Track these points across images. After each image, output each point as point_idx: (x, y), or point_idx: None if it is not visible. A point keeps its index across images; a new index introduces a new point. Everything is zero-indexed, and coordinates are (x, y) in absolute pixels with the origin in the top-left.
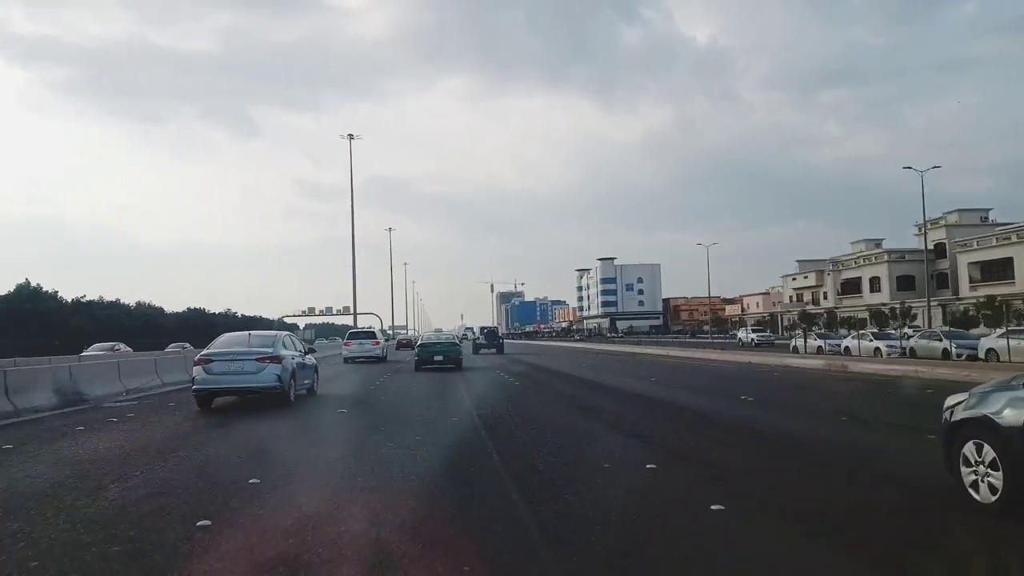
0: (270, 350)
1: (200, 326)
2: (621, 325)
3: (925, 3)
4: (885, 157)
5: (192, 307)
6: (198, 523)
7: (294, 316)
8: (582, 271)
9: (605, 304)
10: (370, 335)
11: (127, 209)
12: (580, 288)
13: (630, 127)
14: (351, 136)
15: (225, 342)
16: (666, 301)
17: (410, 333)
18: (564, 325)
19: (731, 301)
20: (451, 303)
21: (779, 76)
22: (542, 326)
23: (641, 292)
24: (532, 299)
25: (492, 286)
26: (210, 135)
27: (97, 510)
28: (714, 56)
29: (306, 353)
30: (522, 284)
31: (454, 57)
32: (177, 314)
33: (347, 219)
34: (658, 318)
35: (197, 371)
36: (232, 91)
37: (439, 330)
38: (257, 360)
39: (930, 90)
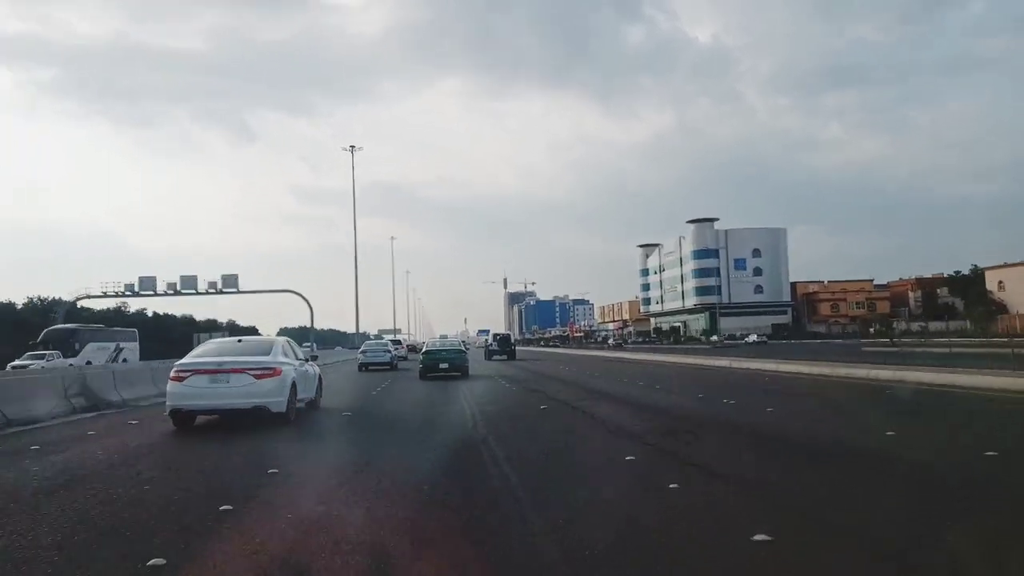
0: (392, 345)
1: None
2: (729, 324)
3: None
4: (888, 159)
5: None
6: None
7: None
8: (648, 247)
9: (701, 291)
10: (397, 343)
11: (121, 212)
12: (645, 272)
13: (632, 130)
14: None
15: (369, 343)
16: (793, 286)
17: (402, 336)
18: (611, 328)
19: (884, 287)
20: (452, 307)
21: (783, 76)
22: (577, 328)
23: (758, 272)
24: (551, 298)
25: (505, 281)
26: (203, 138)
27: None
28: (717, 56)
29: (394, 349)
30: (533, 284)
31: (453, 57)
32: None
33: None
34: (785, 312)
35: (359, 356)
36: (226, 93)
37: (444, 336)
38: (385, 351)
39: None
